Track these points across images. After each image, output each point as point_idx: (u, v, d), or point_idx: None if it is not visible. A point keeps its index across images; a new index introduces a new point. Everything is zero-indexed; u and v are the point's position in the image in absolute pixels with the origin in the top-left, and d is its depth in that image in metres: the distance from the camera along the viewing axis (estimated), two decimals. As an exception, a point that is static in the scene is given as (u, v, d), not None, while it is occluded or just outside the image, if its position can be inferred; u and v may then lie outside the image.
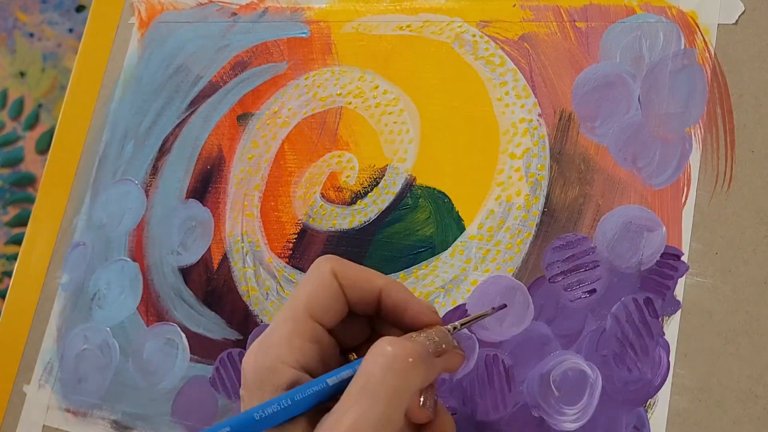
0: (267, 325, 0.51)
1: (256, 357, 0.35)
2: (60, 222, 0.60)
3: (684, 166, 0.44)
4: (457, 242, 0.48)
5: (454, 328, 0.38)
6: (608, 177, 0.45)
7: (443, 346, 0.36)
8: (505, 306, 0.42)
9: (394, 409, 0.32)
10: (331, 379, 0.35)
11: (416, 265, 0.48)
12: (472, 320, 0.40)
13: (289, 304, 0.36)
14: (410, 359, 0.33)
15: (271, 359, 0.35)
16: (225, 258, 0.54)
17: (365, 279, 0.37)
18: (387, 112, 0.52)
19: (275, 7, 0.58)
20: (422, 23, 0.53)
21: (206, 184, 0.56)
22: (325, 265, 0.37)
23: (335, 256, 0.37)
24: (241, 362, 0.50)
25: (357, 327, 0.38)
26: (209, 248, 0.54)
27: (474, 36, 0.51)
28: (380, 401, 0.32)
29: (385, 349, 0.33)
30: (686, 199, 0.43)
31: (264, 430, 0.33)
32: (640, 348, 0.42)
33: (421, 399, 0.35)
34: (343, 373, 0.35)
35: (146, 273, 0.56)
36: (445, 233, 0.48)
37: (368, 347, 0.34)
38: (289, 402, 0.34)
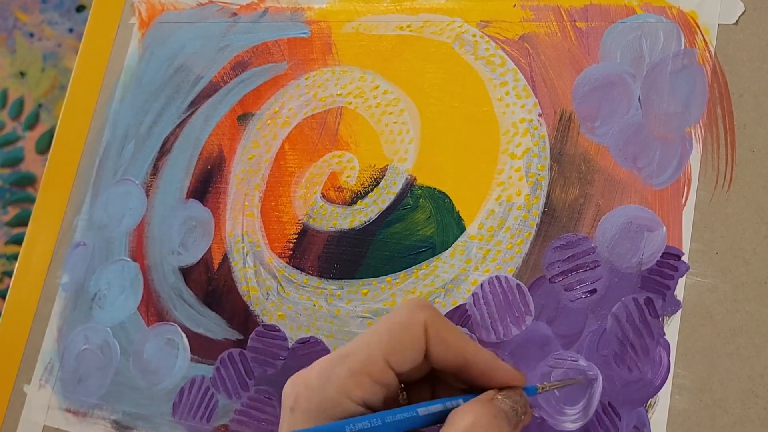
0: (268, 325, 0.51)
1: (321, 383, 0.35)
2: (60, 222, 0.60)
3: (684, 166, 0.44)
4: (458, 242, 0.48)
5: (541, 389, 0.39)
6: (608, 177, 0.45)
7: (523, 416, 0.36)
8: (593, 379, 0.43)
9: None
10: (422, 409, 0.35)
11: (416, 265, 0.48)
12: (560, 386, 0.41)
13: (369, 341, 0.35)
14: (497, 427, 0.34)
15: (336, 391, 0.34)
16: (225, 258, 0.54)
17: (456, 347, 0.36)
18: (387, 112, 0.52)
19: (275, 7, 0.58)
20: (422, 23, 0.53)
21: (207, 184, 0.56)
22: (419, 316, 0.36)
23: (430, 306, 0.37)
24: (241, 362, 0.50)
25: (419, 365, 0.37)
26: (210, 248, 0.54)
27: (474, 36, 0.51)
28: None
29: (480, 415, 0.34)
30: (686, 199, 0.43)
31: None
32: (641, 348, 0.42)
33: None
34: (434, 407, 0.35)
35: (147, 273, 0.56)
36: (446, 233, 0.48)
37: (425, 384, 0.37)
38: (379, 422, 0.34)
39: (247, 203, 0.54)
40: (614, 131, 0.46)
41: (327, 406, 0.34)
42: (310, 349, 0.49)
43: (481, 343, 0.45)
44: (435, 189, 0.49)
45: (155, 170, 0.58)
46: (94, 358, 0.55)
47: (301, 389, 0.35)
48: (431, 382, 0.39)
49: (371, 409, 0.35)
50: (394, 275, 0.49)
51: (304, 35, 0.56)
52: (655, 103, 0.45)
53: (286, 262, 0.52)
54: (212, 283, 0.54)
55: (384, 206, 0.50)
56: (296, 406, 0.35)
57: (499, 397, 0.36)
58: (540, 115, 0.48)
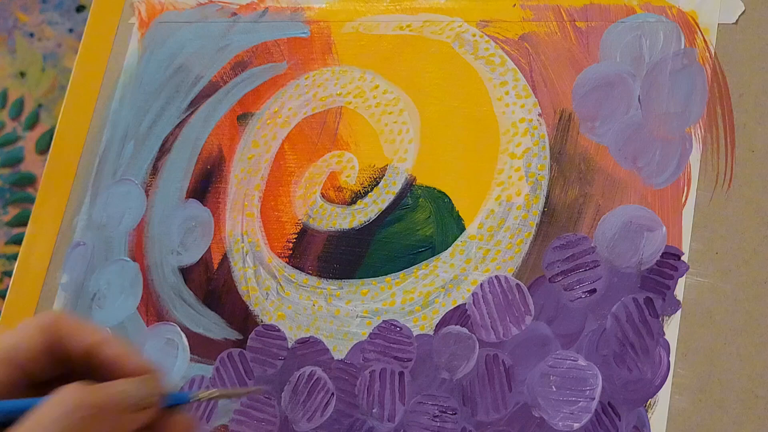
0: (267, 325, 0.51)
1: None
2: (60, 222, 0.60)
3: (684, 166, 0.44)
4: (457, 242, 0.48)
5: (196, 398, 0.36)
6: (608, 177, 0.45)
7: (151, 398, 0.34)
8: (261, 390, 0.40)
9: None
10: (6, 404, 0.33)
11: (416, 265, 0.48)
12: (214, 397, 0.39)
13: None
14: (92, 412, 0.31)
15: None
16: (225, 258, 0.54)
17: (78, 336, 0.35)
18: (387, 112, 0.52)
19: (275, 7, 0.58)
20: (422, 23, 0.53)
21: (206, 184, 0.56)
22: (36, 319, 0.35)
23: (58, 313, 0.36)
24: (241, 362, 0.50)
25: (49, 364, 0.35)
26: (209, 248, 0.54)
27: (474, 36, 0.51)
28: None
29: (65, 397, 0.31)
30: (686, 198, 0.43)
31: None
32: (641, 348, 0.42)
33: None
34: (23, 403, 0.32)
35: (146, 273, 0.56)
36: (445, 233, 0.48)
37: None
38: None
39: (246, 203, 0.54)
40: (614, 131, 0.46)
41: None
42: (310, 349, 0.49)
43: (481, 342, 0.45)
44: (435, 189, 0.49)
45: (155, 170, 0.58)
46: (94, 358, 0.55)
47: None
48: None
49: None
50: (394, 275, 0.49)
51: (304, 35, 0.56)
52: (654, 103, 0.45)
53: (286, 262, 0.52)
54: (212, 283, 0.54)
55: (384, 206, 0.50)
56: None
57: (120, 381, 0.34)
58: (540, 115, 0.48)
